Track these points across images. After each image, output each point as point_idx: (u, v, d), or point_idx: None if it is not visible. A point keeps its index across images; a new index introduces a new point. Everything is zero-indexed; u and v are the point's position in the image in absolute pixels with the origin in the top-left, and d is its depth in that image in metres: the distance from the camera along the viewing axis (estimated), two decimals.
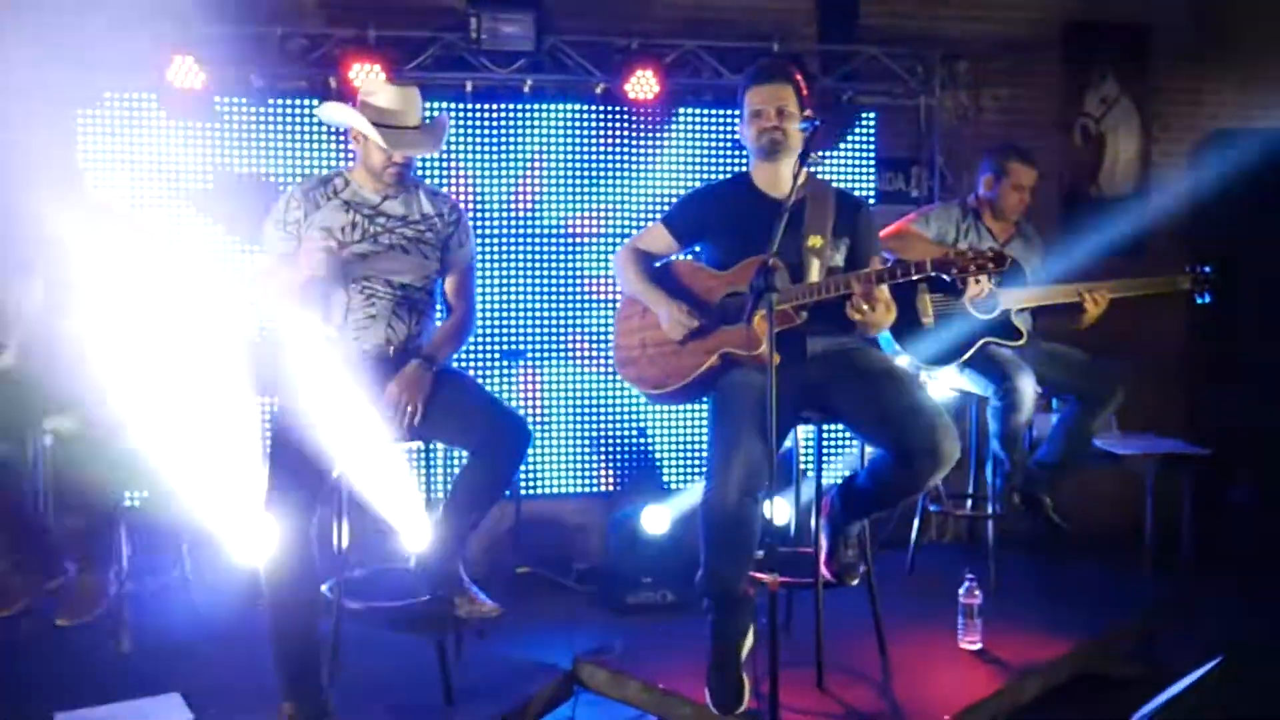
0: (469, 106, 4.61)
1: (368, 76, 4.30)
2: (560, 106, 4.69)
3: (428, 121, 3.03)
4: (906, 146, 5.06)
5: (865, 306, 2.69)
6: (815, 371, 2.88)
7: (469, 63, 4.56)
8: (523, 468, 4.58)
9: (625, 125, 4.74)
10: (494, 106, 4.63)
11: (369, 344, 2.92)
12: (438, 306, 3.13)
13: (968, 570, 3.34)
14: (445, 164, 4.59)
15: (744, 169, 3.11)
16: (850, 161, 4.91)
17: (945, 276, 2.65)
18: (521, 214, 4.68)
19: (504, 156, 4.65)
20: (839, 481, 3.01)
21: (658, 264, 3.14)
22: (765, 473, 2.64)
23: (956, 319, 3.76)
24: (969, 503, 4.27)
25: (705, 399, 3.00)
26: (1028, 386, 3.65)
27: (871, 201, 4.89)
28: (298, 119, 4.45)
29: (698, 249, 3.17)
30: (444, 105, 4.56)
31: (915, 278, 2.69)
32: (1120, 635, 3.54)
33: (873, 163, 4.95)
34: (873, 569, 3.11)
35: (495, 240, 4.65)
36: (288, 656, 2.68)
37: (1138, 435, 4.45)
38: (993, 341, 3.76)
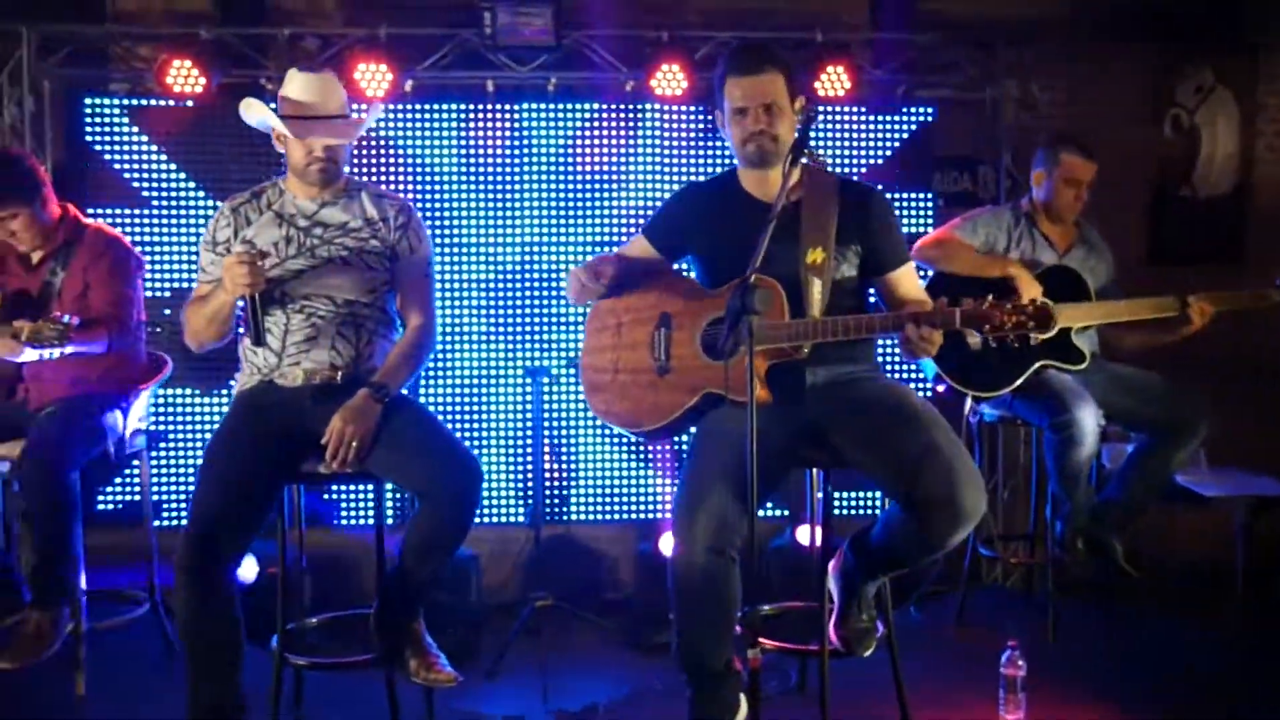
0: (490, 107, 4.32)
1: (374, 77, 4.05)
2: (588, 106, 4.37)
3: (357, 112, 2.81)
4: (971, 144, 4.58)
5: (919, 340, 2.30)
6: (815, 407, 2.48)
7: (489, 61, 4.27)
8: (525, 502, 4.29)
9: (659, 125, 4.39)
10: (517, 107, 4.34)
11: (311, 369, 2.64)
12: (397, 324, 2.83)
13: (1022, 623, 2.91)
14: (466, 169, 4.31)
15: (732, 164, 2.69)
16: (907, 161, 4.46)
17: (975, 332, 2.23)
18: (548, 221, 4.37)
19: (530, 160, 4.35)
20: (853, 532, 2.61)
21: None
22: (738, 526, 2.27)
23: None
24: (1027, 545, 3.79)
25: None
26: (1089, 418, 3.17)
27: (929, 206, 4.46)
28: None
29: (686, 266, 2.79)
30: (463, 107, 4.30)
31: (922, 330, 2.27)
32: (1201, 709, 3.04)
33: (931, 162, 4.49)
34: (894, 630, 2.68)
35: (519, 250, 4.35)
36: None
37: (1229, 471, 3.89)
38: (1050, 365, 3.30)
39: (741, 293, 2.09)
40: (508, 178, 4.33)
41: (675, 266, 2.79)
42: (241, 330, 2.67)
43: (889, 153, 4.43)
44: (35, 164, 3.19)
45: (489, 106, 4.32)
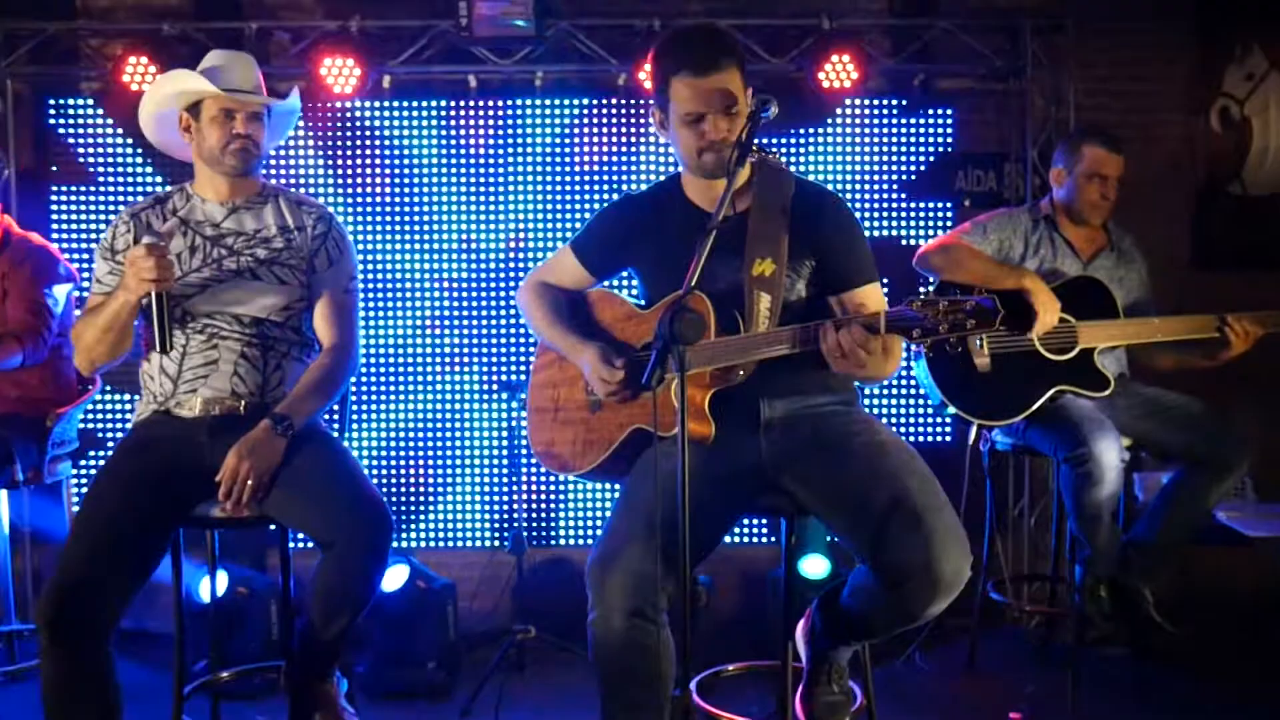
0: (473, 104, 4.04)
1: (340, 72, 3.78)
2: (578, 101, 4.06)
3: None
4: (995, 140, 4.20)
5: (840, 355, 1.95)
6: (772, 445, 2.15)
7: (472, 55, 3.99)
8: (540, 524, 3.98)
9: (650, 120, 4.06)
10: (503, 103, 4.05)
11: (211, 398, 2.36)
12: (316, 347, 2.54)
13: (1040, 678, 2.54)
14: (449, 169, 4.02)
15: (676, 169, 2.35)
16: (926, 157, 4.08)
17: (908, 340, 1.89)
18: (535, 223, 4.07)
19: (517, 159, 4.04)
20: (823, 590, 2.26)
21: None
22: (666, 584, 1.96)
23: (1021, 361, 2.92)
24: (1047, 588, 3.39)
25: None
26: (1109, 453, 2.79)
27: (949, 207, 4.08)
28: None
29: (633, 282, 2.46)
30: (445, 104, 4.02)
31: (840, 335, 1.93)
32: None
33: (953, 160, 4.11)
34: (875, 702, 2.34)
35: (502, 257, 4.05)
36: None
37: (1278, 506, 3.47)
38: (1068, 390, 2.92)
39: (671, 318, 1.77)
40: (493, 178, 4.05)
41: (607, 284, 2.48)
42: (141, 348, 2.39)
43: (906, 150, 4.07)
44: None
45: (472, 103, 4.04)
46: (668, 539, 1.90)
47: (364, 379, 4.03)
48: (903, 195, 4.07)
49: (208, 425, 2.33)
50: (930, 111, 4.06)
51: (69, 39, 4.04)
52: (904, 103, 4.06)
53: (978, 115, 4.18)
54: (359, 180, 4.02)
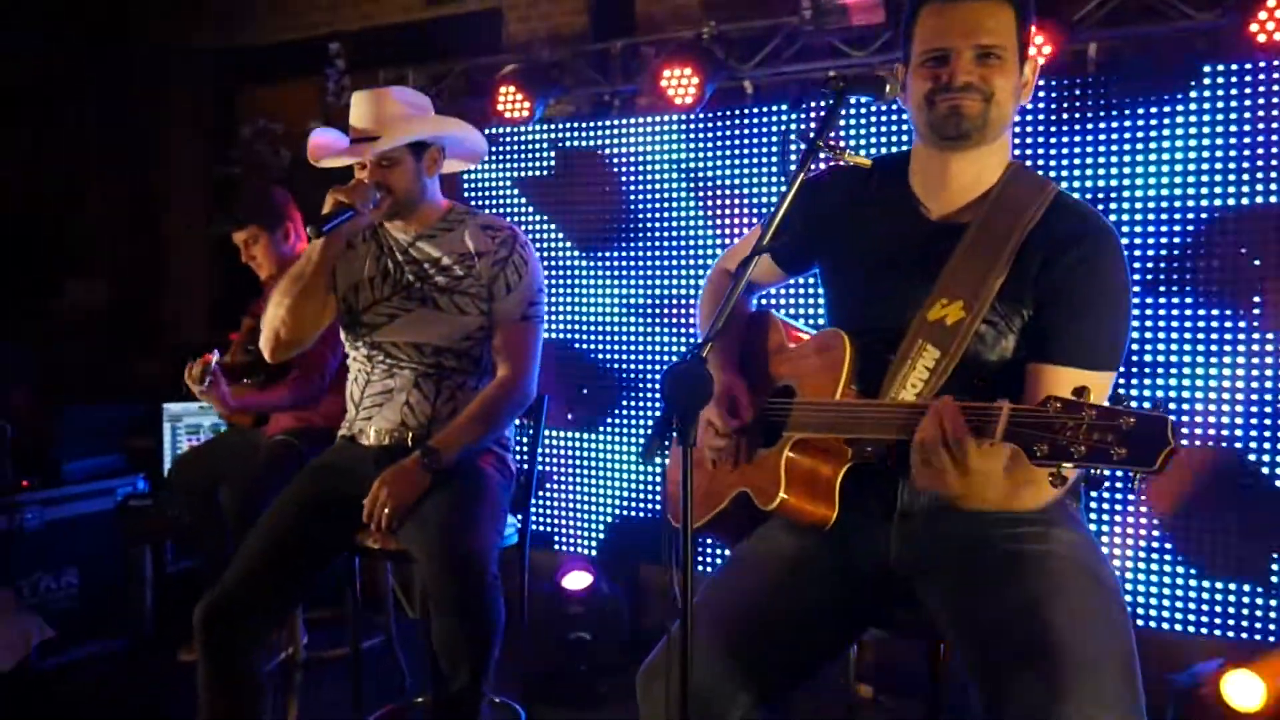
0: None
1: (678, 84, 3.64)
2: None
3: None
4: None
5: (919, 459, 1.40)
6: (905, 542, 1.60)
7: (833, 48, 3.64)
8: None
9: (1067, 107, 3.28)
10: (866, 100, 3.59)
11: (383, 428, 2.36)
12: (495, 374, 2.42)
13: None
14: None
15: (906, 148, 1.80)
16: None
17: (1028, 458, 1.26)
18: None
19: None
20: None
21: (756, 301, 2.03)
22: (729, 707, 1.52)
23: None
24: None
25: None
26: None
27: None
28: (643, 137, 3.94)
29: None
30: (806, 105, 3.66)
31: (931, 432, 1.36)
32: None
33: None
34: None
35: None
36: None
37: None
38: None
39: (666, 372, 1.36)
40: None
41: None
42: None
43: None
44: (287, 200, 3.33)
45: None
46: (747, 649, 1.51)
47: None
48: None
49: (375, 455, 2.35)
50: None
51: (480, 73, 4.33)
52: None
53: None
54: (717, 192, 3.84)
